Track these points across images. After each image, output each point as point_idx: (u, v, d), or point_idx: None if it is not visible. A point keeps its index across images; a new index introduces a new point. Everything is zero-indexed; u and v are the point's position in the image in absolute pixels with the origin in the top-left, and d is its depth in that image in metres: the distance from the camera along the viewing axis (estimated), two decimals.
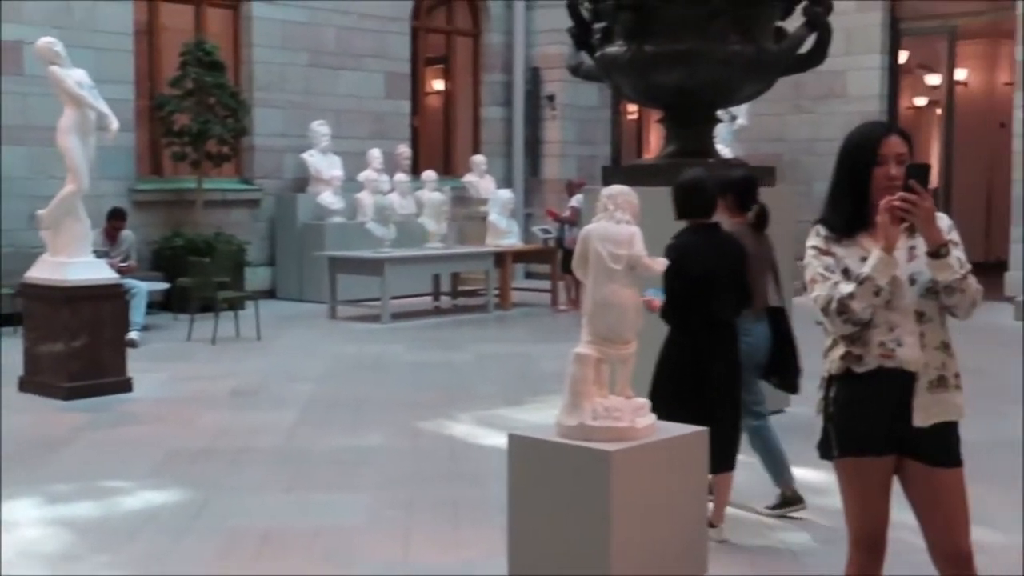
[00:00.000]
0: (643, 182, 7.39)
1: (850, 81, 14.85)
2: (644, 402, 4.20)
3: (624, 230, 4.17)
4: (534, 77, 17.04)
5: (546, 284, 14.31)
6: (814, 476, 5.68)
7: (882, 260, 2.99)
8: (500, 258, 13.49)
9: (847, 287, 3.03)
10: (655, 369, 4.96)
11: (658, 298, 4.89)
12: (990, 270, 14.68)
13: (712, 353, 4.92)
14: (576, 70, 8.20)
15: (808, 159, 14.97)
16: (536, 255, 14.57)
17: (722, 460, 4.87)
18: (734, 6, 7.26)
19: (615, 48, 7.54)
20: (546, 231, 14.44)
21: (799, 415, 7.37)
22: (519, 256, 14.31)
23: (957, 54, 15.61)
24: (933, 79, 17.92)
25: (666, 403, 4.51)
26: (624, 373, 4.17)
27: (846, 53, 14.24)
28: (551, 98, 16.96)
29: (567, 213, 13.68)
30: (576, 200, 12.92)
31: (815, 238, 3.18)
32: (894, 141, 3.10)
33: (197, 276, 11.25)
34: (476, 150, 16.57)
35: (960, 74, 16.93)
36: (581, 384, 4.11)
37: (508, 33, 16.98)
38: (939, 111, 16.75)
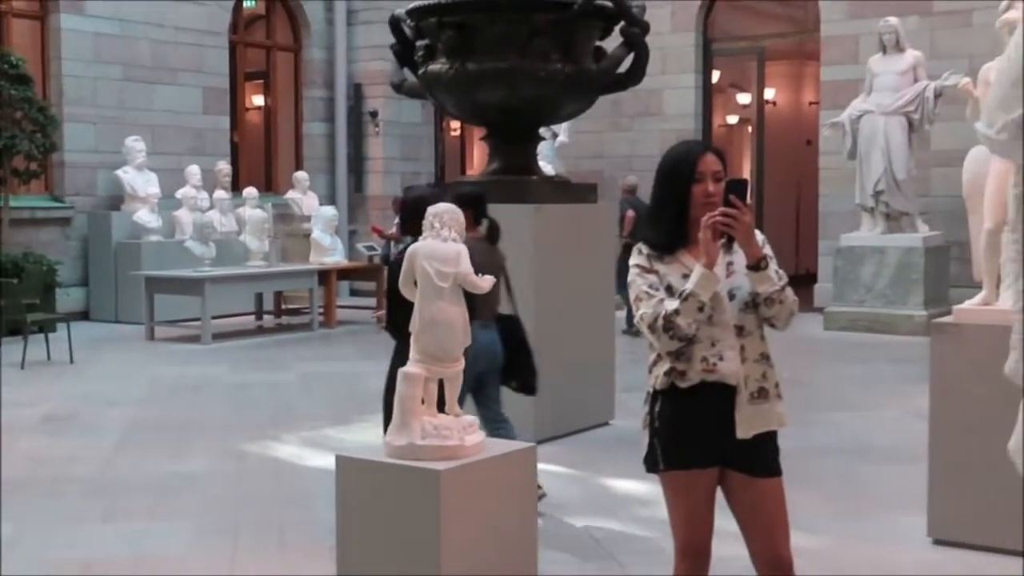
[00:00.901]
0: None
1: (666, 99, 15.26)
2: (473, 420, 4.21)
3: (451, 248, 4.17)
4: (356, 93, 16.96)
5: (371, 301, 14.22)
6: (638, 487, 5.80)
7: (704, 276, 3.07)
8: (324, 276, 13.34)
9: (672, 304, 3.10)
10: (386, 378, 5.21)
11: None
12: (800, 282, 15.26)
13: None
14: (399, 87, 8.20)
15: (626, 175, 15.29)
16: (361, 272, 14.48)
17: None
18: (554, 26, 7.37)
19: (438, 66, 7.57)
20: (371, 248, 14.36)
21: (623, 428, 7.53)
22: (343, 274, 14.19)
23: (766, 74, 16.22)
24: (744, 98, 18.57)
25: (390, 411, 4.65)
26: (453, 391, 4.17)
27: (662, 72, 14.64)
28: (374, 114, 16.91)
29: (392, 230, 13.63)
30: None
31: (638, 256, 3.25)
32: (710, 159, 3.19)
33: (5, 298, 10.78)
34: (298, 166, 16.38)
35: (769, 93, 17.59)
36: (409, 403, 4.09)
37: (330, 49, 16.85)
38: (750, 129, 17.37)
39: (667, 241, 3.21)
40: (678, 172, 3.19)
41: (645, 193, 13.78)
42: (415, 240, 5.87)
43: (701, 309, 3.09)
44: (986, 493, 4.91)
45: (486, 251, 5.64)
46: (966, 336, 5.04)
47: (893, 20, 12.52)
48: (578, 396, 7.55)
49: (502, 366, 5.65)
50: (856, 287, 12.47)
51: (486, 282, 4.31)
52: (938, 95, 12.10)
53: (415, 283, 4.21)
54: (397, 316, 5.04)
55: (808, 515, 5.08)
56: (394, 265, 5.28)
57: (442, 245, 4.14)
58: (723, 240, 3.09)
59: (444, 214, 4.31)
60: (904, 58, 12.45)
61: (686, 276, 3.13)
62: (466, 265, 4.14)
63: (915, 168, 12.50)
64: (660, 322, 3.11)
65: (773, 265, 3.16)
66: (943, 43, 13.18)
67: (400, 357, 5.18)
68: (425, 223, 4.30)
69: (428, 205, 5.26)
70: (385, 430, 4.83)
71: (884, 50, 12.58)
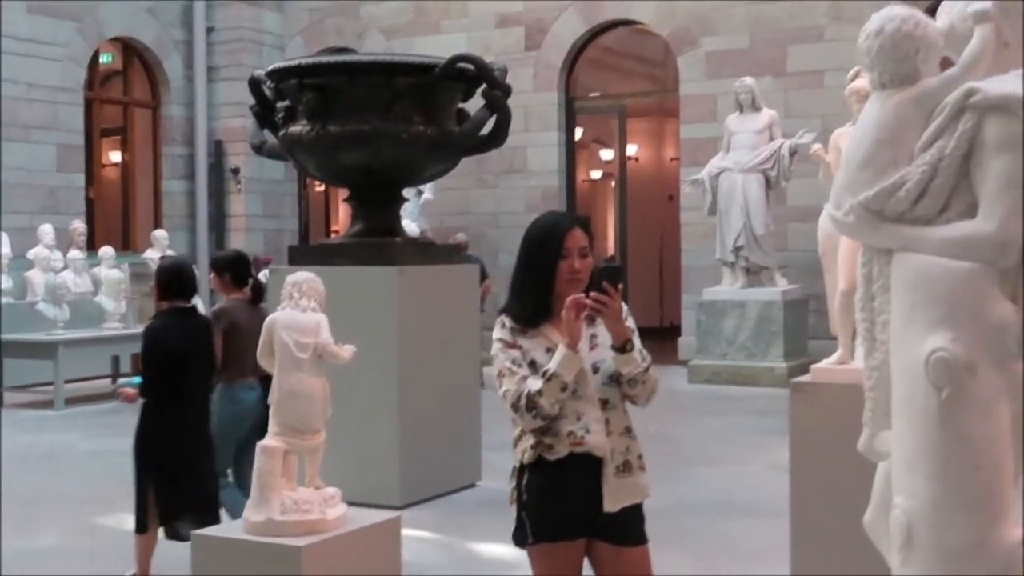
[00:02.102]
0: (330, 261, 7.37)
1: (530, 156, 15.38)
2: (335, 492, 4.11)
3: (310, 318, 4.10)
4: (218, 150, 16.69)
5: None
6: (505, 552, 5.74)
7: (567, 356, 3.07)
8: None
9: (535, 384, 3.08)
10: (133, 441, 5.33)
11: (131, 387, 5.42)
12: (664, 335, 15.49)
13: (182, 427, 5.29)
14: (259, 149, 8.08)
15: (493, 232, 15.35)
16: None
17: (199, 523, 4.96)
18: (416, 88, 7.37)
19: (299, 128, 7.48)
20: None
21: (490, 489, 7.48)
22: None
23: (628, 131, 16.50)
24: (607, 154, 18.87)
25: (139, 475, 5.18)
26: (314, 464, 4.07)
27: (525, 130, 14.77)
28: (236, 171, 16.66)
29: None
30: (263, 275, 12.71)
31: (501, 330, 3.22)
32: (577, 234, 3.20)
33: None
34: (157, 225, 16.01)
35: (631, 149, 17.90)
36: (268, 477, 3.99)
37: (189, 105, 16.58)
38: (613, 184, 17.62)
39: (531, 315, 3.20)
40: (545, 247, 3.19)
41: (480, 250, 13.88)
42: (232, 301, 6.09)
43: (564, 389, 3.08)
44: (847, 549, 4.97)
45: (250, 312, 5.77)
46: (823, 395, 5.13)
47: (749, 80, 12.88)
48: (443, 458, 7.48)
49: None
50: (718, 340, 12.69)
51: (347, 352, 4.23)
52: (793, 153, 12.46)
53: (274, 354, 4.13)
54: (157, 380, 5.20)
55: (676, 572, 5.09)
56: (151, 330, 5.35)
57: (301, 315, 4.06)
58: (585, 311, 3.10)
59: (303, 283, 4.23)
60: (760, 117, 12.80)
61: (550, 351, 3.12)
62: (326, 335, 4.06)
63: (773, 223, 12.81)
64: (523, 401, 3.09)
65: (638, 345, 3.18)
66: (797, 103, 13.60)
67: (154, 425, 5.25)
68: (283, 292, 4.21)
69: (183, 273, 5.50)
70: (139, 518, 5.22)
71: (741, 109, 12.92)
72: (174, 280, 5.42)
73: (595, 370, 3.19)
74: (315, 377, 4.04)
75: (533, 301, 3.20)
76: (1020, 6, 2.46)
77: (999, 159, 2.33)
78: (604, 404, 3.19)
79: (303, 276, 4.30)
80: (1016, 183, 2.30)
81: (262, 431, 5.54)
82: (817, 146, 5.87)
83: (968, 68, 2.47)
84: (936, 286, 2.37)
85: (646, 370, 3.17)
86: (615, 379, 3.19)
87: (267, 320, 4.15)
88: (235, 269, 6.01)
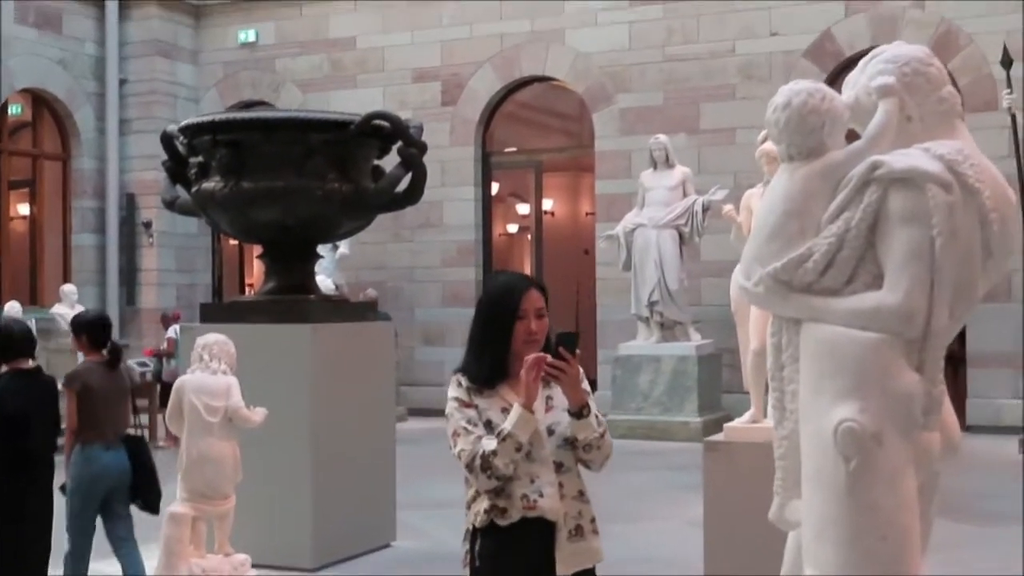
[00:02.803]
0: (242, 319, 7.27)
1: (447, 211, 15.40)
2: (245, 559, 4.03)
3: (221, 381, 4.04)
4: (130, 203, 16.45)
5: (144, 420, 13.62)
6: None
7: (523, 417, 3.06)
8: None
9: (490, 444, 3.07)
10: None
11: None
12: None
13: (28, 489, 5.16)
14: (171, 205, 7.97)
15: (409, 286, 15.31)
16: (133, 390, 13.84)
17: None
18: (332, 145, 7.33)
19: (212, 184, 7.39)
20: (144, 364, 13.82)
21: (405, 549, 7.40)
22: None
23: (544, 185, 16.61)
24: (523, 208, 18.94)
25: None
26: (223, 529, 3.99)
27: (442, 185, 14.80)
28: (148, 225, 16.42)
29: (164, 346, 13.19)
30: (172, 331, 12.54)
31: (456, 388, 3.21)
32: (534, 296, 3.21)
33: None
34: (66, 279, 15.69)
35: (547, 204, 17.99)
36: (176, 545, 3.90)
37: (101, 158, 16.33)
38: (529, 237, 17.69)
39: (488, 375, 3.20)
40: (502, 308, 3.21)
41: (397, 304, 13.83)
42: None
43: (519, 449, 3.08)
44: None
45: (105, 375, 5.66)
46: (736, 454, 5.17)
47: (663, 137, 13.06)
48: (357, 519, 7.37)
49: (129, 485, 5.51)
50: (634, 395, 12.74)
51: (258, 415, 4.18)
52: (706, 209, 12.62)
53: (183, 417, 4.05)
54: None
55: None
56: None
57: (211, 378, 4.00)
58: (542, 373, 3.11)
59: (213, 345, 4.18)
60: (674, 174, 12.97)
61: (506, 411, 3.12)
62: (237, 398, 4.01)
63: (687, 279, 12.95)
64: (478, 461, 3.08)
65: (594, 410, 3.19)
66: (710, 159, 13.81)
67: None
68: (193, 354, 4.15)
69: (15, 335, 5.38)
70: None
71: (655, 165, 13.08)
72: (5, 341, 5.34)
73: (550, 432, 3.19)
74: (225, 441, 3.97)
75: (489, 361, 3.20)
76: (922, 81, 2.52)
77: (903, 231, 2.38)
78: (559, 467, 3.19)
79: (213, 338, 4.24)
80: (920, 255, 2.35)
81: (121, 492, 5.47)
82: (728, 207, 5.96)
83: (873, 141, 2.52)
84: (844, 356, 2.40)
85: (602, 435, 3.19)
86: (570, 442, 3.19)
87: (176, 383, 4.08)
88: (91, 331, 5.88)
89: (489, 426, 3.15)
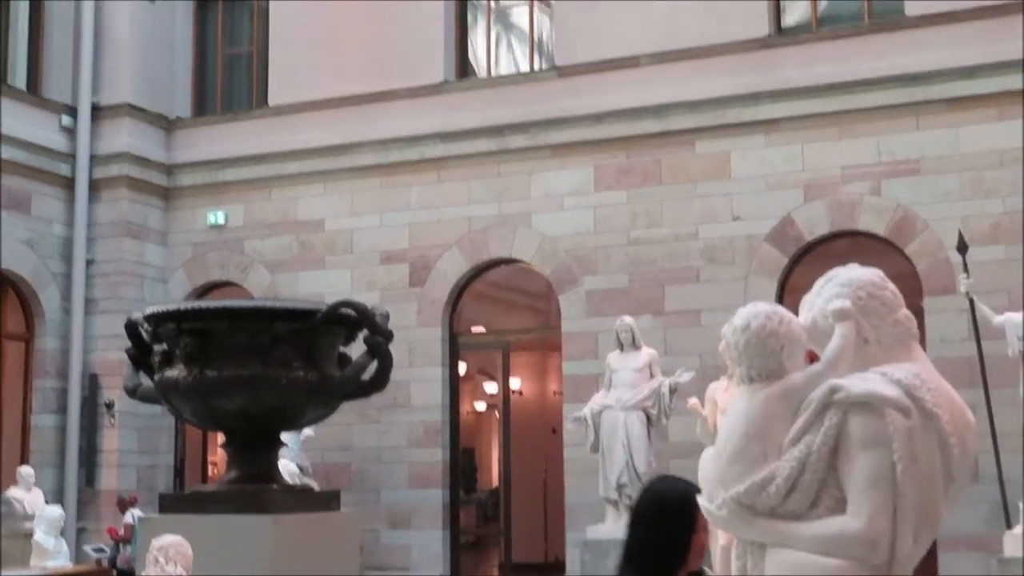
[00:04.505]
0: (202, 510, 7.15)
1: (414, 391, 15.32)
2: None
3: None
4: (92, 383, 16.29)
5: None
6: None
7: None
8: None
9: None
10: None
11: None
12: (548, 571, 15.25)
13: None
14: (133, 392, 7.90)
15: (376, 467, 15.13)
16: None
17: None
18: (297, 333, 7.34)
19: (175, 372, 7.35)
20: (100, 550, 13.50)
21: None
22: None
23: (512, 365, 16.61)
24: (491, 387, 18.94)
25: None
26: None
27: (409, 365, 14.78)
28: (110, 405, 16.22)
29: (121, 531, 12.91)
30: (130, 516, 12.29)
31: None
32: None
33: None
34: (24, 460, 15.40)
35: (515, 383, 18.00)
36: None
37: (65, 338, 16.22)
38: (497, 415, 17.63)
39: None
40: (683, 521, 2.89)
41: (363, 485, 13.62)
42: None
43: None
44: None
45: None
46: None
47: (628, 319, 13.13)
48: None
49: None
50: None
51: None
52: (673, 391, 12.61)
53: None
54: None
55: None
56: None
57: None
58: None
59: (169, 547, 4.09)
60: (640, 355, 13.00)
61: None
62: None
63: (655, 460, 12.85)
64: None
65: None
66: (676, 341, 13.89)
67: None
68: (149, 556, 4.05)
69: None
70: None
71: (621, 347, 13.11)
72: None
73: None
74: None
75: None
76: (877, 304, 2.56)
77: (864, 456, 2.38)
78: None
79: (169, 540, 4.15)
80: (882, 480, 2.34)
81: None
82: (693, 400, 5.97)
83: (831, 364, 2.54)
84: None
85: None
86: None
87: None
88: None
89: None
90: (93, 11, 16.58)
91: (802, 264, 13.72)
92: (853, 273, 2.69)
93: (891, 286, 2.67)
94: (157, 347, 7.60)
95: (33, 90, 16.33)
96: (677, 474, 3.40)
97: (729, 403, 3.08)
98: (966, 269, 10.85)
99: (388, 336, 7.62)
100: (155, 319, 7.52)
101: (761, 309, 2.58)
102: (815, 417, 2.43)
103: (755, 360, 2.57)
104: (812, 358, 2.64)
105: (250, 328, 7.33)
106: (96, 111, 16.51)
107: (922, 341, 11.19)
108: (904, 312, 2.68)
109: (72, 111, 16.40)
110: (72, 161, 16.30)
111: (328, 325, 7.45)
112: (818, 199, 13.63)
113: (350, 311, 7.49)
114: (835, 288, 2.62)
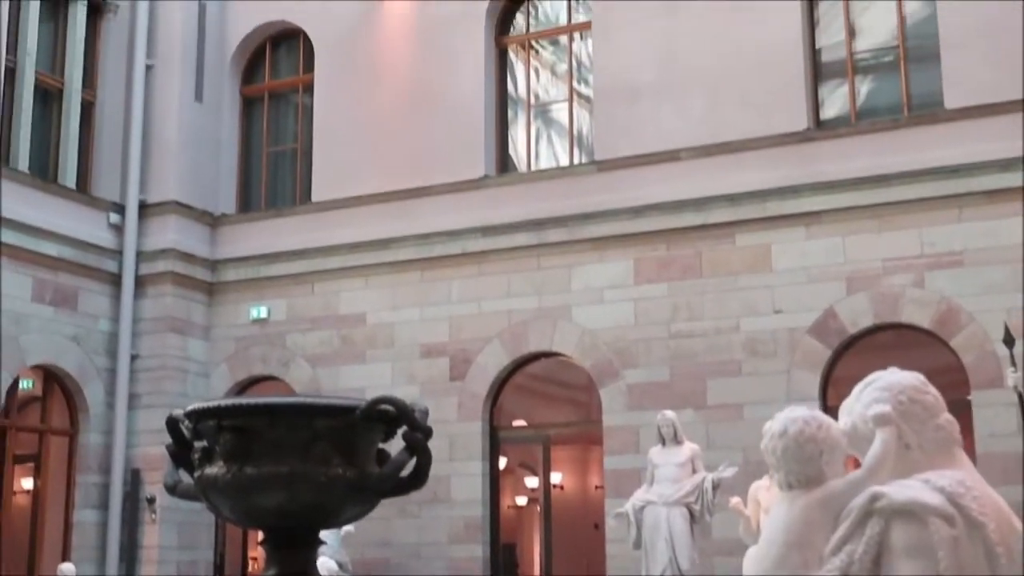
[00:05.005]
0: None
1: (454, 485, 15.23)
2: None
3: None
4: (134, 479, 16.32)
5: None
6: None
7: None
8: None
9: None
10: None
11: None
12: None
13: None
14: (173, 489, 7.81)
15: (416, 563, 14.98)
16: None
17: None
18: (336, 430, 7.30)
19: (215, 469, 7.31)
20: None
21: None
22: None
23: (553, 459, 16.50)
24: (532, 481, 18.75)
25: None
26: None
27: (450, 459, 14.72)
28: (152, 500, 16.24)
29: None
30: None
31: None
32: None
33: None
34: (65, 557, 15.40)
35: (556, 477, 17.83)
36: None
37: (108, 433, 16.31)
38: (539, 509, 17.43)
39: None
40: None
41: None
42: None
43: None
44: None
45: None
46: None
47: (670, 413, 13.01)
48: None
49: None
50: None
51: None
52: (716, 486, 12.44)
53: None
54: None
55: None
56: None
57: None
58: None
59: None
60: (682, 450, 12.84)
61: None
62: None
63: (698, 557, 12.62)
64: None
65: None
66: (718, 435, 13.75)
67: None
68: None
69: None
70: None
71: (663, 442, 12.97)
72: None
73: None
74: None
75: None
76: (919, 409, 2.51)
77: (908, 566, 2.32)
78: None
79: None
80: None
81: None
82: (735, 500, 5.88)
83: (872, 471, 2.49)
84: None
85: None
86: None
87: None
88: None
89: None
90: (142, 111, 16.95)
91: (846, 357, 13.59)
92: (894, 377, 2.65)
93: (932, 390, 2.62)
94: (197, 444, 7.58)
95: (83, 189, 16.66)
96: (717, 571, 3.33)
97: (771, 503, 3.03)
98: (1013, 363, 10.71)
99: (427, 433, 7.54)
100: (196, 415, 7.51)
101: (799, 414, 2.54)
102: (856, 526, 2.38)
103: (794, 466, 2.52)
104: (853, 464, 2.59)
105: (289, 424, 7.27)
106: (143, 208, 16.81)
107: (970, 435, 11.06)
108: (946, 416, 2.63)
109: (120, 208, 16.70)
110: (119, 257, 16.55)
111: (367, 421, 7.41)
112: (860, 291, 13.53)
113: (389, 407, 7.46)
114: (875, 392, 2.58)
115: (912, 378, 2.65)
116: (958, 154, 13.16)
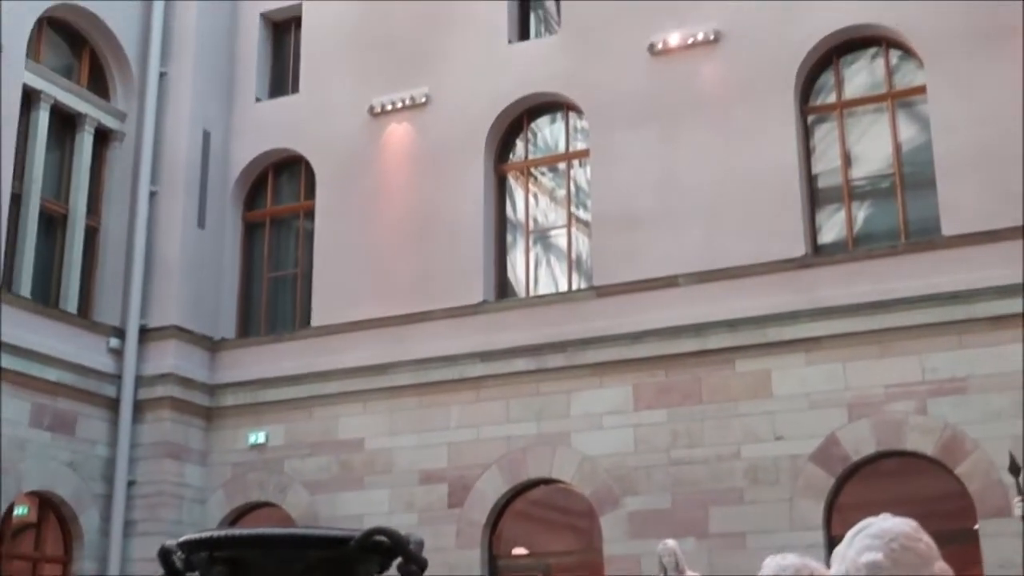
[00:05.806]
0: None
1: None
2: None
3: None
4: None
5: None
6: None
7: None
8: None
9: None
10: None
11: None
12: None
13: None
14: None
15: None
16: None
17: None
18: (330, 562, 7.18)
19: None
20: None
21: None
22: None
23: None
24: None
25: None
26: None
27: None
28: None
29: None
30: None
31: None
32: None
33: None
34: None
35: None
36: None
37: (103, 560, 16.06)
38: None
39: None
40: None
41: None
42: None
43: None
44: None
45: None
46: None
47: (671, 543, 12.79)
48: None
49: None
50: None
51: None
52: None
53: None
54: None
55: None
56: None
57: None
58: None
59: None
60: None
61: None
62: None
63: None
64: None
65: None
66: (721, 565, 13.51)
67: None
68: None
69: None
70: None
71: (665, 572, 12.76)
72: None
73: None
74: None
75: None
76: (912, 556, 2.46)
77: None
78: None
79: None
80: None
81: None
82: None
83: None
84: None
85: None
86: None
87: None
88: None
89: None
90: (145, 236, 17.07)
91: (850, 484, 13.41)
92: (886, 524, 2.60)
93: (926, 538, 2.57)
94: (189, 575, 7.46)
95: (84, 314, 16.68)
96: None
97: None
98: (1020, 491, 10.56)
99: (422, 565, 7.41)
100: (188, 546, 7.40)
101: (790, 562, 2.49)
102: None
103: None
104: None
105: (282, 556, 7.16)
106: (143, 333, 16.80)
107: (978, 565, 10.82)
108: (940, 564, 2.56)
109: (120, 333, 16.70)
110: (118, 382, 16.49)
111: (362, 553, 7.29)
112: (863, 418, 13.42)
113: (384, 539, 7.35)
114: (866, 540, 2.53)
115: (905, 525, 2.60)
116: (957, 280, 13.19)
